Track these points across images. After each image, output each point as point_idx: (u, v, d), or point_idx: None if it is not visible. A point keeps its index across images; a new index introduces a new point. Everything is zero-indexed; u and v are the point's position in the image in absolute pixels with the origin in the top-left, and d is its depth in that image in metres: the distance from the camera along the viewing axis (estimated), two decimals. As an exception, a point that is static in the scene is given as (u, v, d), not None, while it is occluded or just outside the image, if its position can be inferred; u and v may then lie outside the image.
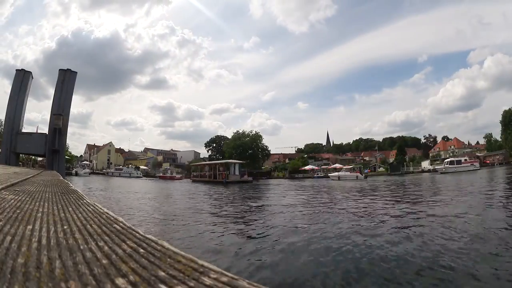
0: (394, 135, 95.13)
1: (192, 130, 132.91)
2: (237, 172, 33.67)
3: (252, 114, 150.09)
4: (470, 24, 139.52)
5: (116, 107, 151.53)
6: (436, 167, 44.47)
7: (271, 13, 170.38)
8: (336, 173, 38.69)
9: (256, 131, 62.26)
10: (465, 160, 40.58)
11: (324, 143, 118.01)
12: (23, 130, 20.07)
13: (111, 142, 76.70)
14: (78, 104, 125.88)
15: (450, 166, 38.95)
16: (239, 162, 35.57)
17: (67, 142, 23.06)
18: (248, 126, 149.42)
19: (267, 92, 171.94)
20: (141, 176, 48.80)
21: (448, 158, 46.39)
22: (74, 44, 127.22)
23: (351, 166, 41.90)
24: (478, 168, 37.95)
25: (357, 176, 35.54)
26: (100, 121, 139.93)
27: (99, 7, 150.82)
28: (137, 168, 53.86)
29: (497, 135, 63.94)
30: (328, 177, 39.96)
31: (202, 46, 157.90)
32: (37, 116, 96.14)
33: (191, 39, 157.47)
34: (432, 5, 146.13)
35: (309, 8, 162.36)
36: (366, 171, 54.05)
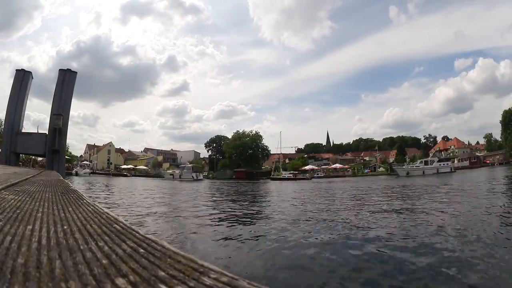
0: (395, 135, 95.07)
1: (201, 132, 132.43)
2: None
3: (262, 116, 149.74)
4: (465, 28, 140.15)
5: (127, 110, 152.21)
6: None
7: (278, 30, 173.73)
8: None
9: (256, 131, 62.41)
10: None
11: (324, 143, 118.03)
12: (23, 130, 20.06)
13: (111, 142, 76.43)
14: (91, 108, 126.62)
15: None
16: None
17: (67, 142, 23.02)
18: (255, 127, 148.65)
19: (273, 92, 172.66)
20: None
21: None
22: (96, 50, 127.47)
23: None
24: None
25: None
26: (110, 123, 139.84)
27: (129, 19, 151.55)
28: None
29: (497, 135, 64.16)
30: None
31: (217, 58, 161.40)
32: (45, 118, 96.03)
33: (208, 48, 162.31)
34: (438, 6, 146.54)
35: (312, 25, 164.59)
36: (366, 171, 54.10)
